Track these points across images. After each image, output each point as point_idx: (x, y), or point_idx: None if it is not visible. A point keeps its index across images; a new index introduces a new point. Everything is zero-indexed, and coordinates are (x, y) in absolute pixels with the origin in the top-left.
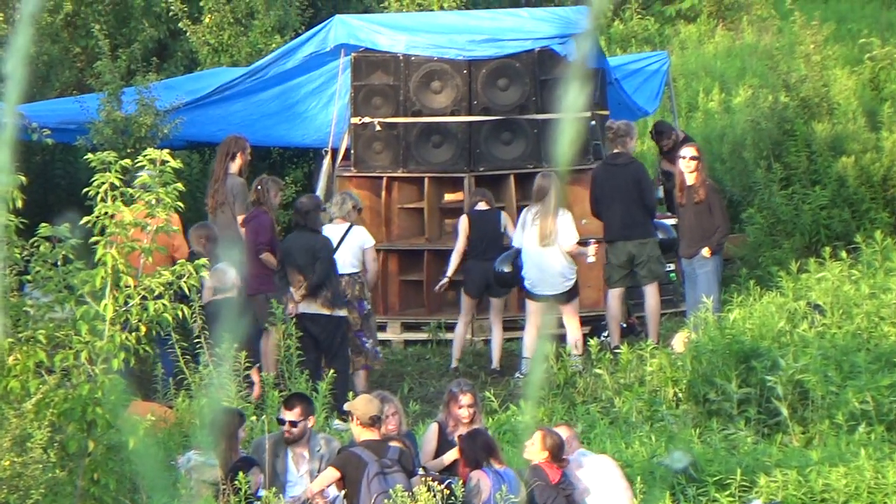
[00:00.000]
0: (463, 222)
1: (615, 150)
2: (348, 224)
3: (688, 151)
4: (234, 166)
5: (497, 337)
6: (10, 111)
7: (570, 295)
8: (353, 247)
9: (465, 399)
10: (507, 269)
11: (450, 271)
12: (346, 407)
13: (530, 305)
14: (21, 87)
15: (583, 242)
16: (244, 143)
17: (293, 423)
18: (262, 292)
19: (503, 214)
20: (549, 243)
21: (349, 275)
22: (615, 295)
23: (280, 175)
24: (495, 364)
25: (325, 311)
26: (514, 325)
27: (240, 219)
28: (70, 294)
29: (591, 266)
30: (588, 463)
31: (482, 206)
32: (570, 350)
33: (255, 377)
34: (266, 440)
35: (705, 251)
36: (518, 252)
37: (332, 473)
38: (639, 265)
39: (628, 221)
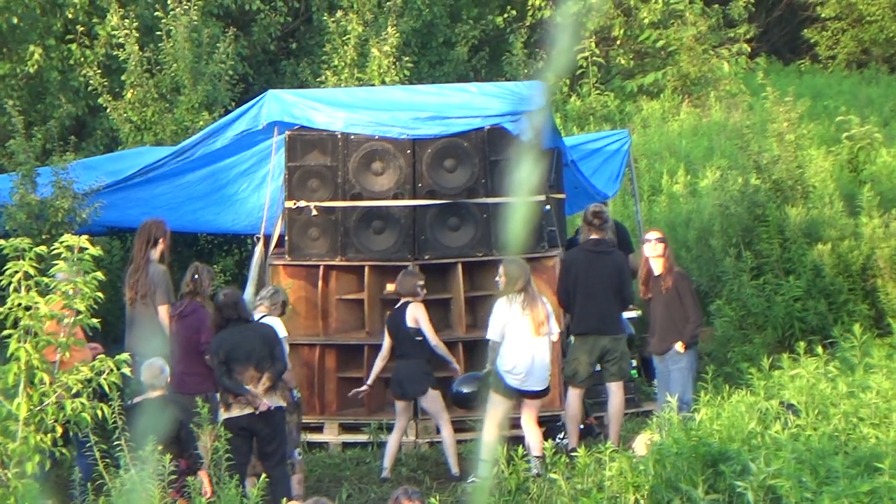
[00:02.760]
0: (387, 321)
1: (594, 236)
2: (261, 315)
3: (653, 235)
4: (156, 253)
5: (447, 438)
6: None
7: (545, 391)
8: None
9: None
10: (467, 389)
11: (371, 377)
12: None
13: (498, 402)
14: None
15: None
16: (164, 228)
17: None
18: (202, 392)
19: (409, 307)
20: (542, 333)
21: None
22: (577, 394)
23: (209, 263)
24: (454, 469)
25: (282, 403)
26: (462, 426)
27: (162, 310)
28: None
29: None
30: None
31: (406, 298)
32: (528, 451)
33: (204, 478)
34: None
35: (678, 346)
36: (485, 373)
37: None
38: (610, 361)
39: (606, 315)
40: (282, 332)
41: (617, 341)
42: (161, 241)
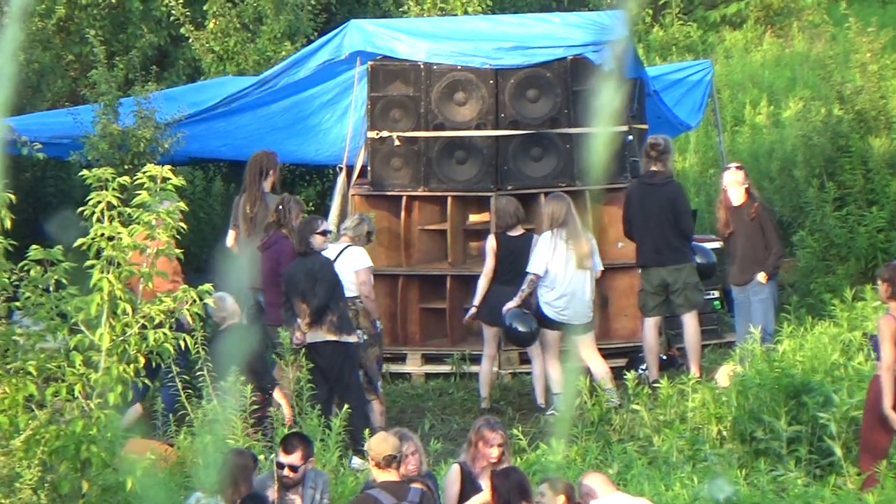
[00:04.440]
0: (491, 243)
1: (652, 168)
2: (345, 245)
3: (734, 168)
4: (268, 184)
5: (537, 367)
6: None
7: (589, 325)
8: (345, 269)
9: (496, 438)
10: (522, 328)
11: (477, 299)
12: (366, 444)
13: (549, 336)
14: (10, 88)
15: None
16: (275, 159)
17: (293, 468)
18: (278, 323)
19: (535, 238)
20: (585, 266)
21: None
22: (651, 324)
23: (291, 193)
24: (540, 400)
25: (332, 337)
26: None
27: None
28: (63, 322)
29: (627, 293)
30: None
31: (517, 230)
32: (602, 384)
33: (281, 399)
34: (269, 481)
35: (761, 276)
36: (536, 309)
37: None
38: (674, 292)
39: (662, 245)
40: (366, 262)
41: (678, 272)
42: (272, 172)
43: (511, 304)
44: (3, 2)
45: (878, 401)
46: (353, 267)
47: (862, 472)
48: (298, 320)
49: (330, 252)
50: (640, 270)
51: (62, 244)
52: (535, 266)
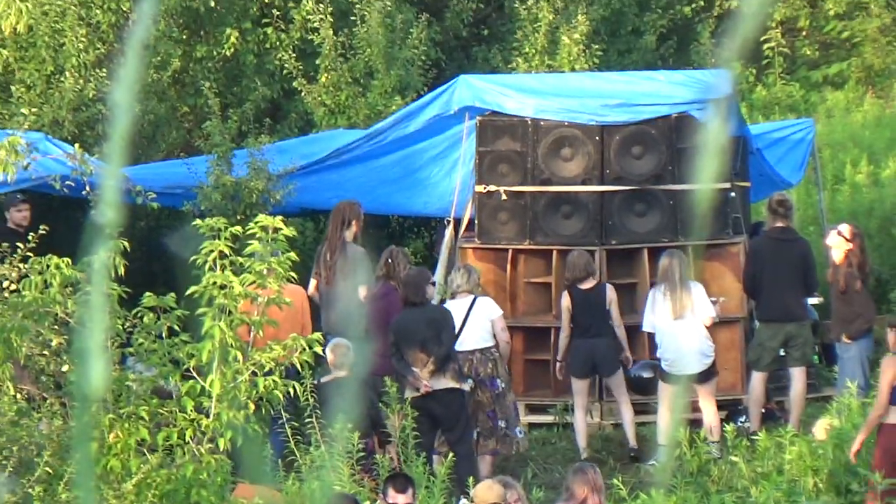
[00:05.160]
0: (565, 301)
1: (779, 224)
2: (473, 296)
3: (843, 229)
4: (350, 234)
5: (627, 415)
6: (116, 166)
7: (707, 374)
8: (481, 319)
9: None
10: (647, 375)
11: (560, 354)
12: (472, 491)
13: (664, 388)
14: (130, 132)
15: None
16: (358, 209)
17: None
18: (391, 373)
19: (609, 288)
20: (682, 316)
21: (480, 350)
22: (760, 378)
23: (399, 245)
24: (632, 443)
25: (454, 385)
26: (644, 408)
27: (362, 290)
28: (175, 368)
29: (728, 347)
30: None
31: (588, 283)
32: (704, 435)
33: (393, 455)
34: None
35: (844, 337)
36: (657, 361)
37: None
38: (794, 347)
39: (791, 301)
40: (499, 310)
41: (802, 327)
42: (354, 222)
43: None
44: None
45: (887, 445)
46: (489, 316)
47: None
48: (415, 369)
49: (459, 306)
50: (759, 325)
51: (183, 257)
52: (645, 324)
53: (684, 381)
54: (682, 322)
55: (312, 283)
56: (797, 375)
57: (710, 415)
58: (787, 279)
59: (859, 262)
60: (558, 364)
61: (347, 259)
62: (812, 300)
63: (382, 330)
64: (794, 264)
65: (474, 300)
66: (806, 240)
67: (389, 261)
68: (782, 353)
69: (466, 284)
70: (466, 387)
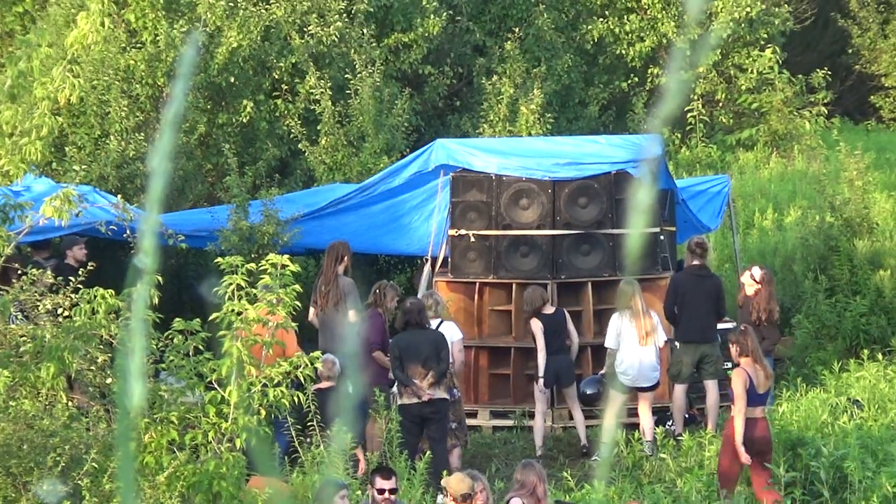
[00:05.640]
0: (536, 324)
1: (696, 263)
2: (440, 320)
3: (756, 272)
4: (342, 268)
5: (579, 417)
6: (152, 213)
7: (653, 386)
8: None
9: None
10: (591, 390)
11: (540, 370)
12: (442, 483)
13: (614, 396)
14: (164, 187)
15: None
16: (348, 247)
17: (392, 490)
18: (377, 385)
19: (565, 312)
20: (649, 342)
21: None
22: (682, 389)
23: (387, 279)
24: (584, 441)
25: (445, 395)
26: (588, 413)
27: (352, 314)
28: (200, 381)
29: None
30: None
31: (548, 308)
32: (639, 436)
33: (360, 455)
34: None
35: None
36: (602, 376)
37: None
38: (707, 364)
39: (706, 326)
40: (458, 333)
41: (713, 347)
42: (346, 258)
43: (600, 373)
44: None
45: (731, 438)
46: (451, 338)
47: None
48: (416, 381)
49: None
50: (678, 345)
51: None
52: (608, 341)
53: (628, 391)
54: (646, 347)
55: (311, 310)
56: (710, 387)
57: (646, 419)
58: (702, 308)
59: (768, 302)
60: (540, 381)
61: (339, 289)
62: (725, 325)
63: (365, 347)
64: (707, 296)
65: (440, 324)
66: (718, 276)
67: (377, 291)
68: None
69: (434, 311)
70: (452, 396)
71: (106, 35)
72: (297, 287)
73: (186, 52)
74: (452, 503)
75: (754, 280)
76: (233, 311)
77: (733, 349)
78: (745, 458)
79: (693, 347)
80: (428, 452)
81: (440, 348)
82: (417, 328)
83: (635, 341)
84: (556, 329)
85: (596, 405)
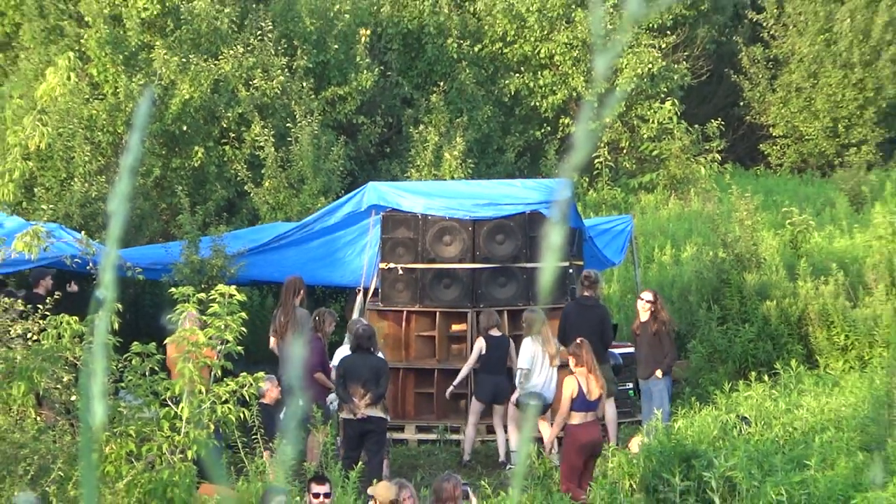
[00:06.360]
0: (480, 342)
1: (585, 294)
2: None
3: (646, 296)
4: (298, 300)
5: (501, 435)
6: (112, 250)
7: (550, 405)
8: None
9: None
10: (535, 401)
11: (458, 381)
12: (368, 491)
13: (516, 412)
14: (123, 225)
15: None
16: (303, 282)
17: (327, 495)
18: (316, 402)
19: (510, 340)
20: (555, 364)
21: None
22: None
23: (325, 306)
24: (502, 457)
25: (381, 414)
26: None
27: (297, 344)
28: (155, 398)
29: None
30: None
31: (495, 332)
32: (550, 448)
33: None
34: None
35: (658, 373)
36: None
37: None
38: None
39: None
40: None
41: (602, 370)
42: (301, 291)
43: (517, 393)
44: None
45: (570, 443)
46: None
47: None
48: (355, 399)
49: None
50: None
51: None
52: (521, 362)
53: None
54: (553, 368)
55: (272, 339)
56: (607, 406)
57: (547, 433)
58: (589, 334)
59: (662, 317)
60: (452, 388)
61: (296, 319)
62: (625, 349)
63: (307, 369)
64: (593, 323)
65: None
66: (604, 306)
67: (317, 318)
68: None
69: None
70: (387, 416)
71: (71, 88)
72: (244, 314)
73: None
74: None
75: (646, 300)
76: (184, 336)
77: (572, 360)
78: (574, 461)
79: None
80: (360, 463)
81: (380, 374)
82: (365, 352)
83: (548, 364)
84: (499, 351)
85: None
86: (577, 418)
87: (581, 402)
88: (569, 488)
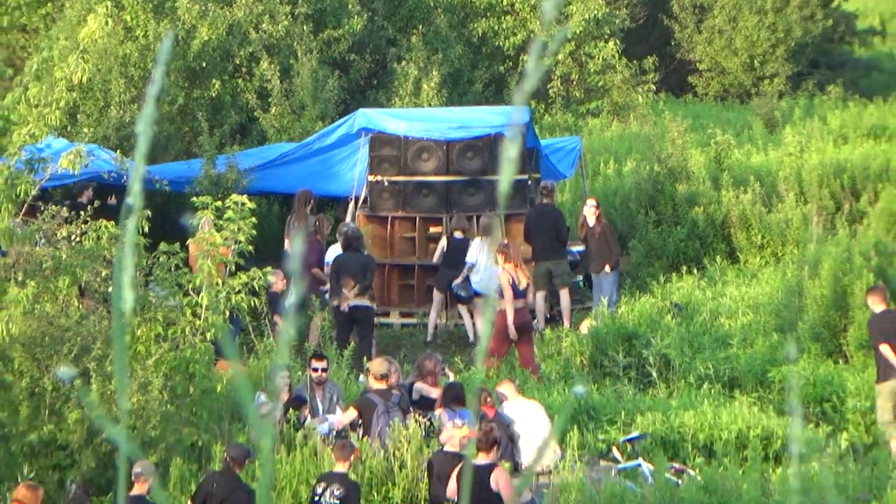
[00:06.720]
0: (443, 242)
1: (544, 201)
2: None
3: (591, 202)
4: (308, 209)
5: (468, 320)
6: (139, 166)
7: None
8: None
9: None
10: (464, 293)
11: (436, 257)
12: (366, 365)
13: (478, 302)
14: (149, 143)
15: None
16: (312, 193)
17: (324, 370)
18: (313, 293)
19: (469, 241)
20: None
21: None
22: (541, 295)
23: (323, 214)
24: (471, 337)
25: (368, 303)
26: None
27: (297, 242)
28: (179, 289)
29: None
30: (523, 406)
31: (458, 234)
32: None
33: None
34: (305, 385)
35: (607, 267)
36: (467, 278)
37: (353, 412)
38: (557, 276)
39: (549, 248)
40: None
41: (558, 263)
42: (311, 200)
43: (457, 281)
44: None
45: (502, 324)
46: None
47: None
48: (345, 290)
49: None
50: (534, 263)
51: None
52: (470, 257)
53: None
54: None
55: (287, 241)
56: (563, 294)
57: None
58: (547, 234)
59: (606, 221)
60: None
61: (307, 224)
62: (578, 248)
63: (306, 265)
64: (550, 225)
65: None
66: (559, 210)
67: (317, 223)
68: (552, 280)
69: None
70: (373, 305)
71: (108, 31)
72: (254, 219)
73: (164, 44)
74: (373, 381)
75: (591, 206)
76: (204, 237)
77: (500, 257)
78: (513, 334)
79: (542, 264)
80: (353, 344)
81: (367, 269)
82: (355, 251)
83: (491, 261)
84: (458, 250)
85: (466, 304)
86: (510, 304)
87: (515, 290)
88: (496, 363)
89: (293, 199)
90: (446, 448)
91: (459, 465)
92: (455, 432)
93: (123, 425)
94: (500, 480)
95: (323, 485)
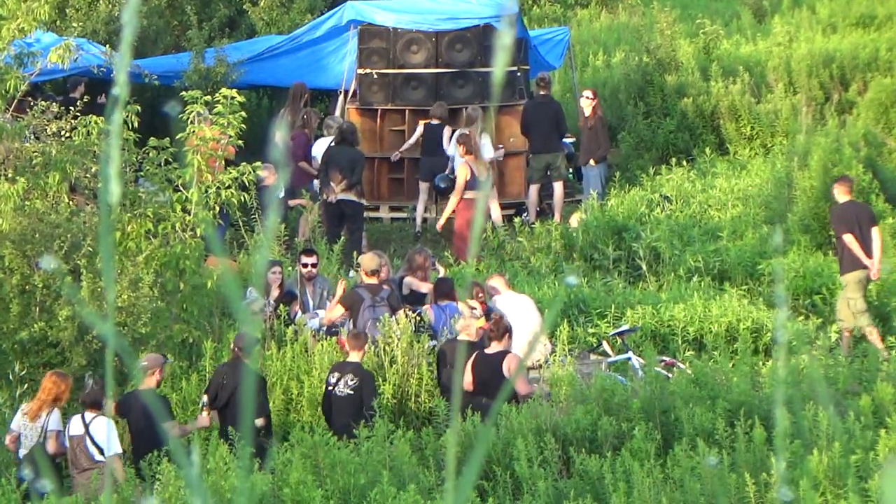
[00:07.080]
0: (420, 128)
1: (542, 93)
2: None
3: (587, 93)
4: (302, 102)
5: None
6: (125, 59)
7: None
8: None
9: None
10: (444, 185)
11: (404, 148)
12: (358, 259)
13: (470, 194)
14: (135, 33)
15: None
16: (306, 86)
17: (314, 265)
18: (300, 186)
19: (445, 129)
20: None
21: None
22: (535, 189)
23: (312, 107)
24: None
25: (355, 198)
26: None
27: (279, 133)
28: (169, 185)
29: (515, 169)
30: (513, 299)
31: (434, 120)
32: (497, 223)
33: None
34: (296, 280)
35: (591, 161)
36: (452, 172)
37: (340, 308)
38: (553, 169)
39: (547, 140)
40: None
41: (556, 157)
42: (305, 94)
43: (447, 173)
44: None
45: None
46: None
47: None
48: (333, 184)
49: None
50: (530, 155)
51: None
52: (450, 150)
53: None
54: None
55: (278, 134)
56: (556, 187)
57: (496, 211)
58: (545, 127)
59: (600, 114)
60: (398, 153)
61: (301, 116)
62: (569, 140)
63: (294, 158)
64: (549, 117)
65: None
66: (558, 102)
67: (304, 117)
68: (548, 173)
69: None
70: (362, 200)
71: None
72: (243, 112)
73: None
74: (364, 276)
75: (589, 98)
76: (193, 132)
77: (461, 149)
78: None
79: (539, 157)
80: (343, 238)
81: (356, 165)
82: (347, 146)
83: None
84: (432, 135)
85: (447, 194)
86: (471, 195)
87: (474, 182)
88: (459, 248)
89: (282, 93)
90: (461, 336)
91: (474, 355)
92: (472, 322)
93: (111, 320)
94: (511, 367)
95: (336, 374)
